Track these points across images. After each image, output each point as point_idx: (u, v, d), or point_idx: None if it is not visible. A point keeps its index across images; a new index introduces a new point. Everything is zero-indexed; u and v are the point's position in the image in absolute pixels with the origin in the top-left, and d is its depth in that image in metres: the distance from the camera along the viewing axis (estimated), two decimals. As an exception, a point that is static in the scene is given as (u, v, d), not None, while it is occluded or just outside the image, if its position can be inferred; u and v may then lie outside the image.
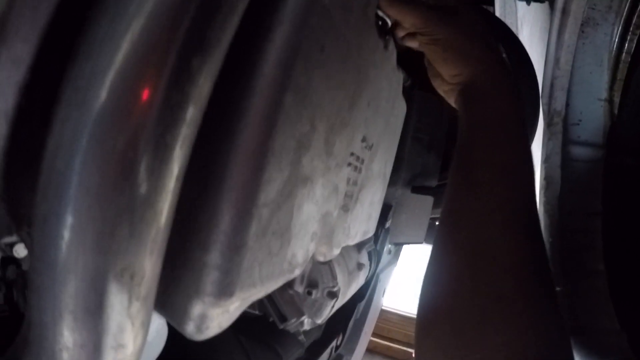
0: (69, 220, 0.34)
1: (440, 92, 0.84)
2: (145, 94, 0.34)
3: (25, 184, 0.44)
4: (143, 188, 0.35)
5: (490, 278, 0.57)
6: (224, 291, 0.46)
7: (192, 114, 0.37)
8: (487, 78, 0.72)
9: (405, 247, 1.89)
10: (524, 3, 1.69)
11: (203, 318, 0.47)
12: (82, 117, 0.34)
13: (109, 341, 0.37)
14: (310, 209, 0.59)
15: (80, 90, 0.34)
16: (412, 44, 0.83)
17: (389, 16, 0.79)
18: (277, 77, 0.45)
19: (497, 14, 2.15)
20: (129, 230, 0.35)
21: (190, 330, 0.48)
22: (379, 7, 0.75)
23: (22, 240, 0.57)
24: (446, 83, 0.78)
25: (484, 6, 2.18)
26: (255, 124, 0.44)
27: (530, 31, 1.89)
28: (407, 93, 1.51)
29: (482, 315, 0.55)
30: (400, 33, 0.82)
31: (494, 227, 0.60)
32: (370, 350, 4.88)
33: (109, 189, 0.34)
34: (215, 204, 0.44)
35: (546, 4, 1.62)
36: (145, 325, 0.41)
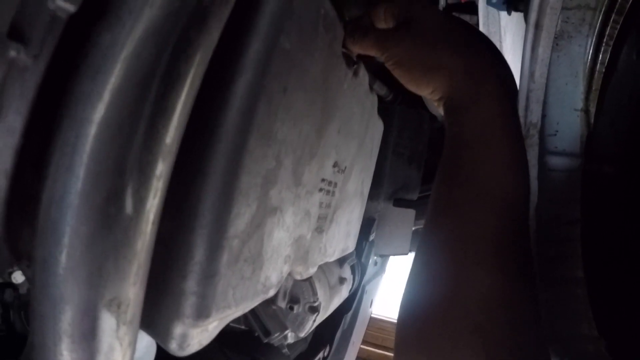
0: (63, 261, 0.40)
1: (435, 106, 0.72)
2: (119, 158, 0.40)
3: (23, 226, 0.50)
4: (123, 233, 0.41)
5: (466, 307, 0.54)
6: (201, 313, 0.51)
7: (161, 169, 0.42)
8: (465, 88, 0.62)
9: (397, 258, 1.93)
10: (506, 13, 1.73)
11: (184, 337, 0.53)
12: (69, 177, 0.40)
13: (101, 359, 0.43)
14: (281, 235, 0.64)
15: (66, 155, 0.40)
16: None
17: (353, 53, 0.77)
18: (240, 122, 0.50)
19: (481, 23, 2.18)
20: (114, 267, 0.41)
21: (174, 347, 0.54)
22: (348, 51, 0.76)
23: (21, 270, 0.63)
24: (432, 100, 0.69)
25: (468, 15, 2.22)
26: (221, 167, 0.49)
27: (513, 40, 1.93)
28: (389, 108, 1.56)
29: (456, 344, 0.53)
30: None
31: (474, 260, 0.55)
32: (364, 359, 4.91)
33: (95, 235, 0.40)
34: (190, 238, 0.50)
35: (527, 14, 1.66)
36: (132, 344, 0.47)
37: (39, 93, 0.42)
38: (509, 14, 1.75)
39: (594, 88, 1.66)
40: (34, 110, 0.42)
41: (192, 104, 0.44)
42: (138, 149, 0.41)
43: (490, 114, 0.60)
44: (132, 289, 0.44)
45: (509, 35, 2.02)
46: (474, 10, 2.26)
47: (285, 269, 0.69)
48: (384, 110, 1.13)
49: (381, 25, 0.75)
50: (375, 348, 4.91)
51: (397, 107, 1.59)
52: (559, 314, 1.49)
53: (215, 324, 0.58)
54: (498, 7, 1.54)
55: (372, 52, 0.72)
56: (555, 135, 1.64)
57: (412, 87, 0.69)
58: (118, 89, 0.40)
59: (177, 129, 0.43)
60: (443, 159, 0.63)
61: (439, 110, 0.70)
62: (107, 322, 0.42)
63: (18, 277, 0.81)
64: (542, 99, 1.61)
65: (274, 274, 0.65)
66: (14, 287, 0.98)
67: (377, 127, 1.11)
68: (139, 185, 0.41)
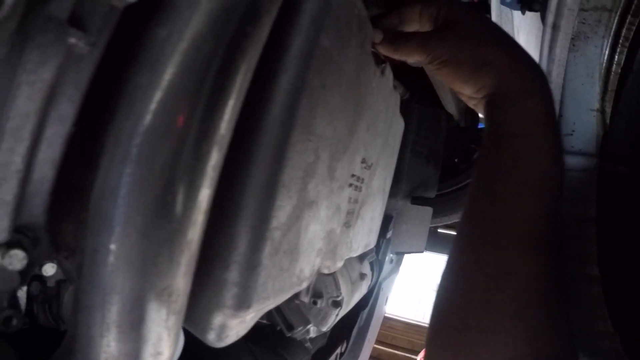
0: (116, 251, 0.41)
1: (470, 105, 0.76)
2: (175, 148, 0.41)
3: (65, 218, 0.51)
4: (179, 222, 0.42)
5: (510, 295, 0.56)
6: (243, 304, 0.52)
7: (216, 160, 0.44)
8: (511, 84, 0.64)
9: (408, 257, 1.94)
10: (519, 12, 1.73)
11: (223, 328, 0.54)
12: (124, 167, 0.40)
13: (149, 349, 0.44)
14: (316, 229, 0.65)
15: (122, 145, 0.41)
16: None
17: (392, 60, 0.78)
18: (285, 116, 0.51)
19: (494, 21, 2.18)
20: (168, 257, 0.42)
21: (212, 338, 0.55)
22: (376, 50, 0.76)
23: (58, 264, 0.64)
24: (471, 98, 0.71)
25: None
26: (267, 159, 0.51)
27: (526, 39, 1.94)
28: (406, 107, 1.57)
29: (496, 328, 0.55)
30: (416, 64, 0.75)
31: (517, 243, 0.58)
32: (375, 357, 4.91)
33: (151, 224, 0.41)
34: (234, 229, 0.51)
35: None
36: (178, 335, 0.48)
37: (92, 82, 0.43)
38: (523, 13, 1.75)
39: (609, 89, 1.67)
40: (86, 100, 0.43)
41: (244, 97, 0.45)
42: (194, 140, 0.42)
43: (534, 109, 0.62)
44: (183, 279, 0.45)
45: (522, 35, 2.02)
46: (486, 9, 2.26)
47: (317, 262, 0.70)
48: (402, 108, 1.14)
49: (414, 26, 0.76)
50: (385, 347, 4.91)
51: (415, 105, 1.61)
52: (575, 311, 1.50)
53: (252, 315, 0.59)
54: (512, 6, 1.54)
55: (415, 57, 0.72)
56: (572, 135, 1.64)
57: (457, 86, 0.71)
58: (175, 81, 0.41)
59: (231, 120, 0.44)
60: (484, 152, 0.66)
61: (477, 109, 0.74)
62: (158, 311, 0.43)
63: (48, 270, 0.80)
64: (559, 99, 1.63)
65: (307, 266, 0.66)
66: (41, 279, 0.98)
67: (399, 125, 1.12)
68: (195, 175, 0.42)
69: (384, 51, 0.75)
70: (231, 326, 0.55)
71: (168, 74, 0.41)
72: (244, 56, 0.44)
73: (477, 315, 0.58)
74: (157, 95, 0.40)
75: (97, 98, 0.44)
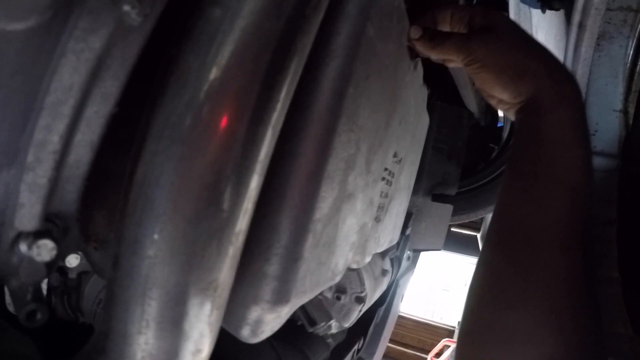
0: (162, 242, 0.38)
1: (499, 109, 0.76)
2: (227, 136, 0.39)
3: (97, 206, 0.49)
4: (229, 212, 0.40)
5: (544, 291, 0.57)
6: (281, 298, 0.51)
7: (269, 145, 0.42)
8: (549, 91, 0.65)
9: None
10: (539, 10, 1.71)
11: (259, 323, 0.52)
12: (173, 151, 0.38)
13: (190, 347, 0.42)
14: (352, 222, 0.64)
15: (171, 125, 0.39)
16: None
17: (431, 59, 0.77)
18: (332, 105, 0.50)
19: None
20: (217, 249, 0.40)
21: (246, 334, 0.53)
22: (412, 44, 0.75)
23: (86, 255, 0.61)
24: (504, 103, 0.72)
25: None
26: (312, 149, 0.49)
27: (545, 38, 1.92)
28: (428, 104, 1.56)
29: (533, 324, 0.56)
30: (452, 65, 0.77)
31: (550, 241, 0.59)
32: (385, 355, 4.90)
33: (202, 214, 0.39)
34: (276, 220, 0.49)
35: (561, 12, 1.65)
36: (217, 331, 0.46)
37: (140, 59, 0.40)
38: (543, 12, 1.73)
39: (633, 89, 1.65)
40: (133, 78, 0.40)
41: (297, 83, 0.44)
42: (248, 124, 0.40)
43: (568, 116, 0.64)
44: (229, 273, 0.43)
45: (540, 34, 2.01)
46: (504, 7, 2.24)
47: (350, 257, 0.69)
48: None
49: (445, 28, 0.77)
50: (395, 345, 4.90)
51: (437, 103, 1.60)
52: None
53: (287, 310, 0.57)
54: (532, 4, 1.51)
55: (452, 56, 0.72)
56: (594, 135, 1.63)
57: (497, 91, 0.71)
58: (231, 62, 0.39)
59: (286, 104, 0.42)
60: (516, 157, 0.68)
61: (507, 114, 0.75)
62: (202, 307, 0.41)
63: (72, 261, 0.77)
64: (584, 98, 1.61)
65: (341, 260, 0.65)
66: (62, 271, 0.95)
67: (425, 121, 1.11)
68: (249, 161, 0.40)
69: (421, 47, 0.74)
70: (267, 321, 0.53)
71: (224, 54, 0.39)
72: (305, 39, 0.42)
73: (511, 313, 0.58)
74: (212, 76, 0.38)
75: (145, 76, 0.41)
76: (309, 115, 0.49)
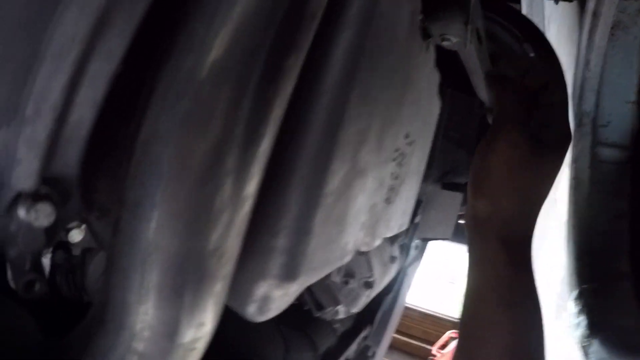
0: (164, 204, 0.36)
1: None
2: (234, 102, 0.37)
3: (100, 173, 0.47)
4: (237, 174, 0.39)
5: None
6: (290, 273, 0.50)
7: (276, 115, 0.41)
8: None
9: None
10: (552, 2, 1.70)
11: (265, 300, 0.51)
12: (180, 107, 0.36)
13: (191, 319, 0.40)
14: (363, 200, 0.63)
15: (179, 81, 0.37)
16: None
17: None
18: (344, 76, 0.48)
19: (524, 12, 2.15)
20: (224, 212, 0.38)
21: (252, 311, 0.51)
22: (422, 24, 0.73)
23: (88, 225, 0.60)
24: None
25: (511, 4, 2.19)
26: (324, 119, 0.48)
27: (558, 30, 1.90)
28: (439, 91, 1.55)
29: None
30: None
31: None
32: (389, 345, 4.89)
33: (209, 174, 0.37)
34: (286, 192, 0.48)
35: (574, 3, 1.63)
36: (222, 304, 0.44)
37: (148, 16, 0.38)
38: (556, 3, 1.72)
39: (646, 81, 1.64)
40: (139, 36, 0.38)
41: (305, 55, 0.43)
42: (257, 85, 0.38)
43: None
44: (236, 240, 0.41)
45: (553, 25, 1.99)
46: (517, -1, 2.23)
47: (360, 237, 0.68)
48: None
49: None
50: (399, 335, 4.90)
51: (448, 89, 1.58)
52: (604, 306, 1.48)
53: (295, 287, 0.55)
54: (544, -5, 1.51)
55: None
56: (607, 126, 1.61)
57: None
58: (236, 33, 0.37)
59: (296, 69, 0.41)
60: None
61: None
62: (206, 274, 0.39)
63: (75, 236, 0.75)
64: (597, 89, 1.59)
65: (351, 239, 0.64)
66: (66, 247, 0.94)
67: (436, 106, 1.10)
68: (258, 123, 0.39)
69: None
70: (274, 298, 0.52)
71: (236, 14, 0.37)
72: (314, 17, 0.41)
73: None
74: (223, 32, 0.37)
75: (151, 36, 0.39)
76: (321, 86, 0.48)
